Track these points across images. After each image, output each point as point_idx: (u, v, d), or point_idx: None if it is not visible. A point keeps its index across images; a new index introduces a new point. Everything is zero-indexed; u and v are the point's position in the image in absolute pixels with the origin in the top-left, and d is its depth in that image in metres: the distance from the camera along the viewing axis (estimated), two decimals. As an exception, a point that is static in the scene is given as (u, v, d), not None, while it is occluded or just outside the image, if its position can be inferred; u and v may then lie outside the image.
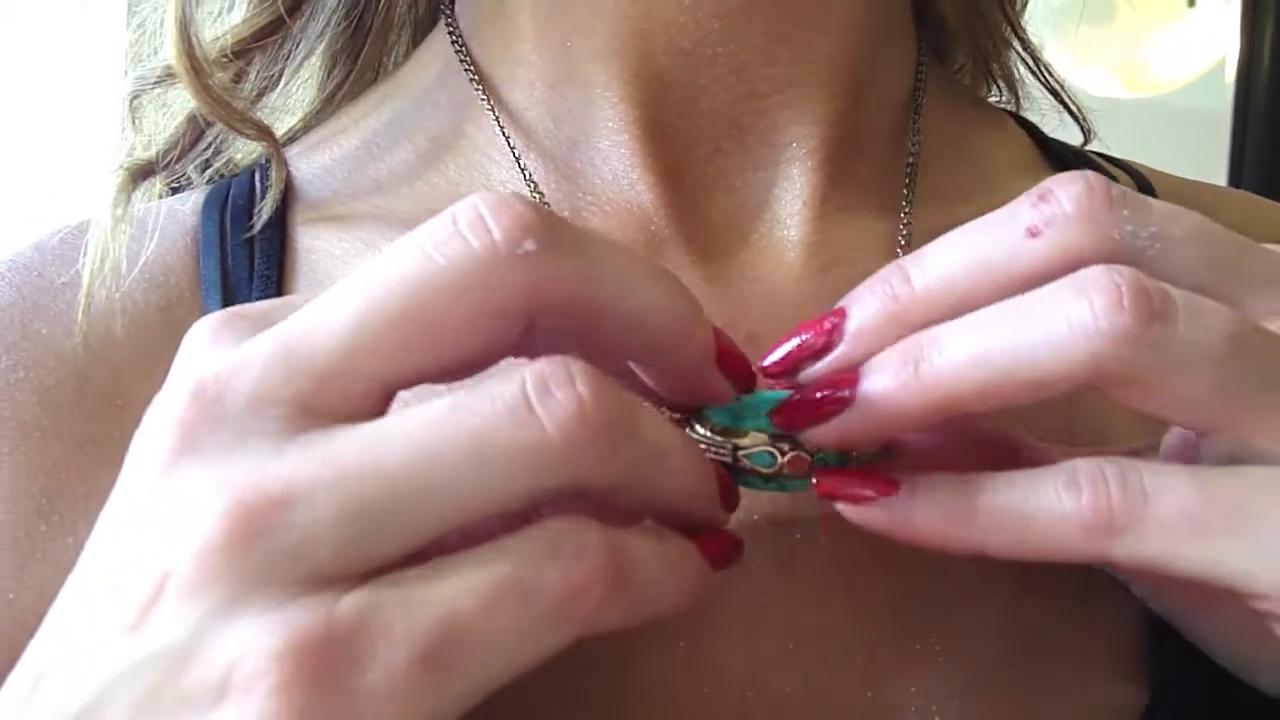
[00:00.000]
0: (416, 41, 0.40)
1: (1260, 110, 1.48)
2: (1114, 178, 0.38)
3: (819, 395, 0.25)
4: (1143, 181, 0.39)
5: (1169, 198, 0.38)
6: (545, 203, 0.34)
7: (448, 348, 0.22)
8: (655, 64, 0.33)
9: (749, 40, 0.33)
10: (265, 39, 0.37)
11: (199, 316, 0.31)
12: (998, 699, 0.29)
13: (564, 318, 0.22)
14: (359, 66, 0.39)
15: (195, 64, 0.35)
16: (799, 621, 0.29)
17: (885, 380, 0.24)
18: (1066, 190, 0.24)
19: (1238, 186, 1.41)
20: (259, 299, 0.33)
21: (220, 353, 0.22)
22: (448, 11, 0.38)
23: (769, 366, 0.26)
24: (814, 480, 0.26)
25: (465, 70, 0.36)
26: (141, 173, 0.38)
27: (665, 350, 0.24)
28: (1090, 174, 0.24)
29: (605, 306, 0.23)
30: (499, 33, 0.35)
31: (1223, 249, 0.25)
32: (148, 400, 0.23)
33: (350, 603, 0.20)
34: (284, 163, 0.37)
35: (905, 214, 0.35)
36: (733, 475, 0.26)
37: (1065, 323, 0.22)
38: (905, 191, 0.35)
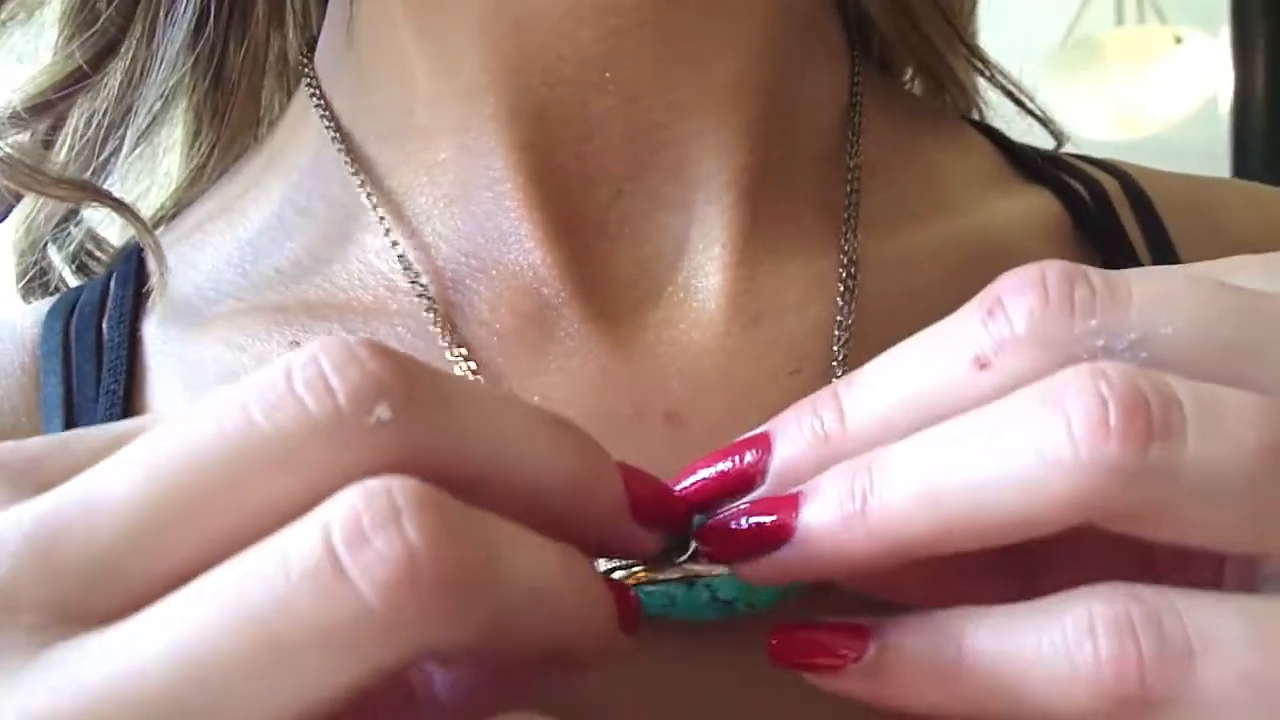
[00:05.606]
0: (290, 93, 0.36)
1: (1258, 140, 1.45)
2: (1094, 180, 0.33)
3: (753, 522, 0.20)
4: (1130, 184, 0.34)
5: (1166, 200, 0.33)
6: (415, 273, 0.29)
7: (268, 532, 0.16)
8: (535, 98, 0.28)
9: (640, 63, 0.28)
10: (69, 89, 0.32)
11: None
12: None
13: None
14: (228, 129, 0.35)
15: None
16: None
17: (826, 515, 0.19)
18: (1017, 303, 0.19)
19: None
20: (105, 420, 0.29)
21: None
22: (305, 62, 0.33)
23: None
24: (772, 641, 0.21)
25: (324, 124, 0.32)
26: None
27: (564, 513, 0.19)
28: (1049, 271, 0.19)
29: (483, 476, 0.18)
30: (357, 80, 0.31)
31: (1236, 325, 0.19)
32: None
33: None
34: (159, 248, 0.31)
35: (847, 246, 0.30)
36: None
37: (1035, 453, 0.17)
38: (846, 221, 0.30)
